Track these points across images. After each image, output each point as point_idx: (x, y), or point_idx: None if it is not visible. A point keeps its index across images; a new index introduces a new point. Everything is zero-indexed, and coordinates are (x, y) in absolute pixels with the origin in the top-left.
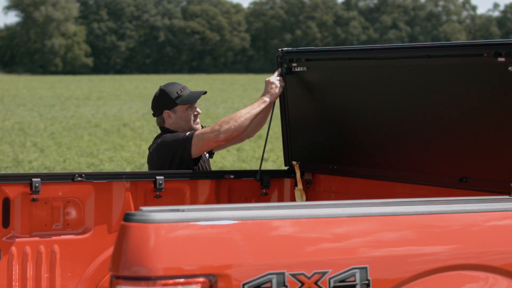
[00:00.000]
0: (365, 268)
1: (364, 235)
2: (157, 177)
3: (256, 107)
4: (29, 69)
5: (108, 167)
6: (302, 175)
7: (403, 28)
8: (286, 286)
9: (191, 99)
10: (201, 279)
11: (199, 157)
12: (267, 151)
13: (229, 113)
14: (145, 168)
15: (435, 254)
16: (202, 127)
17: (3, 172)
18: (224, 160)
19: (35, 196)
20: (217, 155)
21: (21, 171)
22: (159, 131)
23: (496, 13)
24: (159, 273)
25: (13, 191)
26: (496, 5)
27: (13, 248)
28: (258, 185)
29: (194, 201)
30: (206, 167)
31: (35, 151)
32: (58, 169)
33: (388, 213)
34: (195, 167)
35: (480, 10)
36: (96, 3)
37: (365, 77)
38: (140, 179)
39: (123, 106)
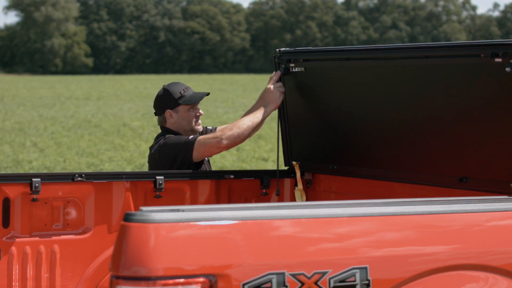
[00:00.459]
0: (365, 268)
1: (364, 235)
2: (157, 177)
3: (259, 116)
4: (29, 69)
5: (108, 167)
6: (302, 175)
7: (403, 28)
8: (286, 286)
9: (194, 100)
10: (201, 279)
11: (202, 161)
12: (267, 151)
13: (229, 113)
14: (145, 168)
15: (435, 254)
16: (203, 128)
17: (3, 172)
18: (224, 160)
19: (35, 196)
20: (217, 155)
21: (21, 171)
22: (159, 131)
23: (496, 13)
24: (159, 273)
25: (13, 191)
26: (496, 5)
27: (13, 248)
28: (258, 185)
29: (194, 201)
30: (206, 167)
31: (35, 151)
32: (58, 169)
33: (388, 213)
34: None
35: (480, 10)
36: (96, 3)
37: (363, 77)
38: (140, 179)
39: (123, 106)
